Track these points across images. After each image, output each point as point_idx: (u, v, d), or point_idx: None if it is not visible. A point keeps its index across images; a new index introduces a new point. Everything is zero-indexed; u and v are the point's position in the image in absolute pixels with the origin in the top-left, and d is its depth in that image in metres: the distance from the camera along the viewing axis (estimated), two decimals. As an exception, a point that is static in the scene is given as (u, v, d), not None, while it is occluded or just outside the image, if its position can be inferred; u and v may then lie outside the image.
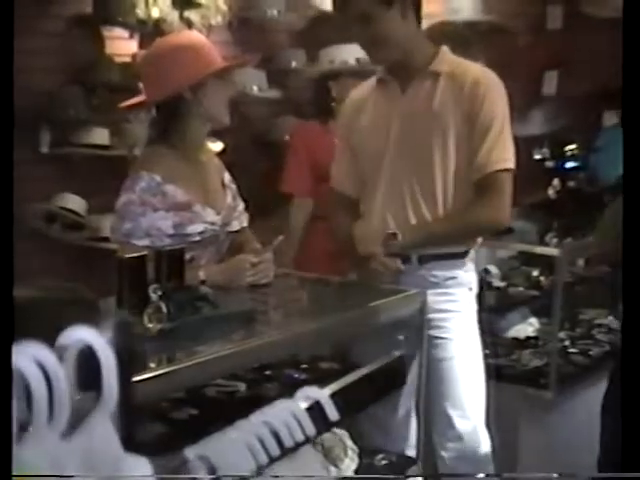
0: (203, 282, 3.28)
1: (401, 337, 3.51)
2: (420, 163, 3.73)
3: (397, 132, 3.77)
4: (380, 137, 3.81)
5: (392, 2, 3.64)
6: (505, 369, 4.79)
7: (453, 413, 3.75)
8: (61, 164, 6.43)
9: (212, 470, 1.23)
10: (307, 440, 1.38)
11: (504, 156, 3.70)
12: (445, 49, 3.83)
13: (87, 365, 1.09)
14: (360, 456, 3.45)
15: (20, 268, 3.15)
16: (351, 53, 6.46)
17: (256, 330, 3.22)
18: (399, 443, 3.76)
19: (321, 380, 3.61)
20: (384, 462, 3.58)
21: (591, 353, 5.09)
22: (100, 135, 6.42)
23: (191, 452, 1.25)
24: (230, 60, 3.61)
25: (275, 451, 1.32)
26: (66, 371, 1.06)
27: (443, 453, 3.80)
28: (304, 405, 1.41)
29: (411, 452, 3.73)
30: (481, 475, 3.83)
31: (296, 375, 3.59)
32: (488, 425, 3.82)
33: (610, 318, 5.51)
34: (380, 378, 1.69)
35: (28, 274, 2.97)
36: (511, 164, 3.72)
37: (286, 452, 1.35)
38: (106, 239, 5.39)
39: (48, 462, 1.03)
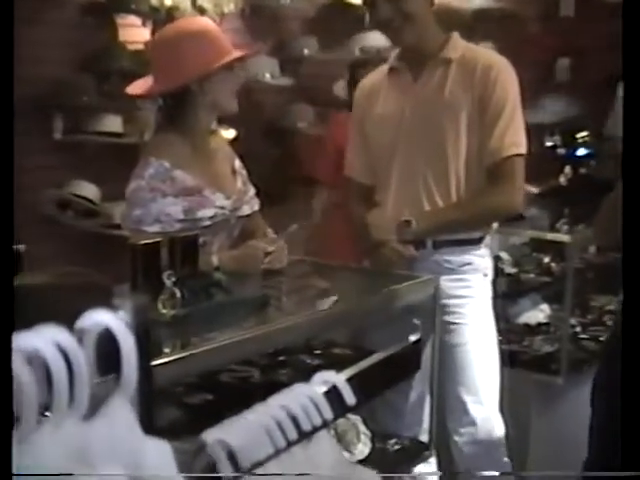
0: (217, 268, 3.28)
1: (416, 322, 3.51)
2: (433, 151, 3.73)
3: (409, 120, 3.77)
4: (393, 125, 3.81)
5: None
6: (517, 355, 4.78)
7: (467, 398, 3.75)
8: (74, 151, 6.43)
9: (230, 453, 1.22)
10: (325, 424, 1.37)
11: (516, 141, 3.69)
12: (456, 35, 3.82)
13: (106, 348, 1.08)
14: (373, 441, 3.45)
15: (35, 254, 3.17)
16: (379, 40, 6.40)
17: (269, 316, 3.23)
18: (412, 428, 3.76)
19: (334, 365, 3.64)
20: (397, 447, 3.59)
21: (602, 339, 5.07)
22: (113, 122, 6.42)
23: (209, 436, 1.25)
24: (239, 49, 3.58)
25: (293, 435, 1.31)
26: (86, 354, 1.06)
27: (456, 438, 3.80)
28: (321, 389, 1.40)
29: (424, 437, 3.72)
30: (495, 473, 3.82)
31: (309, 361, 3.57)
32: (502, 411, 3.82)
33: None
34: (395, 363, 1.68)
35: (43, 260, 2.98)
36: (523, 149, 3.72)
37: (304, 436, 1.34)
38: (119, 226, 5.40)
39: (69, 445, 1.03)
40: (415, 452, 3.64)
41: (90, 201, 6.30)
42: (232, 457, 1.21)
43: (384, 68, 3.94)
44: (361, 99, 4.02)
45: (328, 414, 1.35)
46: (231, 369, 3.35)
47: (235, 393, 3.26)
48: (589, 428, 3.29)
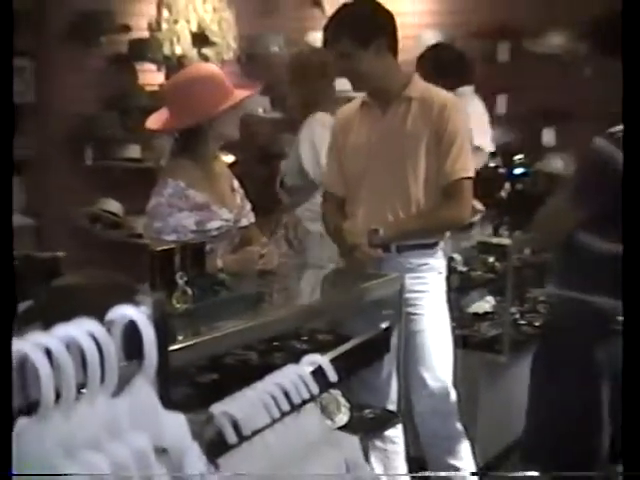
0: (221, 270, 3.27)
1: (385, 312, 3.51)
2: (396, 172, 3.71)
3: (378, 147, 3.76)
4: (364, 151, 3.79)
5: (369, 44, 3.60)
6: (468, 338, 4.78)
7: (426, 375, 3.73)
8: (102, 174, 6.45)
9: (234, 423, 1.22)
10: (312, 398, 1.36)
11: (465, 166, 3.69)
12: (416, 77, 3.82)
13: (131, 337, 1.07)
14: (351, 410, 3.44)
15: (69, 261, 3.16)
16: (343, 85, 6.44)
17: (264, 309, 3.23)
18: (383, 400, 3.73)
19: (319, 349, 3.66)
20: (371, 415, 3.58)
21: (536, 324, 5.07)
22: (133, 150, 6.48)
23: (216, 408, 1.24)
24: (241, 89, 3.59)
25: (285, 407, 1.30)
26: (114, 342, 1.05)
27: (418, 408, 3.79)
28: (309, 369, 1.39)
29: (392, 407, 3.71)
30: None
31: (298, 345, 3.57)
32: (455, 385, 3.81)
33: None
34: (370, 347, 1.68)
35: (77, 265, 2.98)
36: (471, 173, 3.72)
37: (294, 408, 1.33)
38: (140, 236, 5.41)
39: (101, 417, 1.02)
40: (386, 419, 3.63)
41: (115, 215, 6.31)
42: (236, 426, 1.21)
43: (357, 102, 3.93)
44: (337, 127, 4.00)
45: (315, 389, 1.34)
46: (233, 353, 3.34)
47: (237, 373, 3.26)
48: (528, 399, 3.29)
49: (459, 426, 3.81)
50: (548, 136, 7.20)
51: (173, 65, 6.69)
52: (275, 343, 3.55)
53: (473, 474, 3.85)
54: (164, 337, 1.09)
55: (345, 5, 3.77)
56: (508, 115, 7.41)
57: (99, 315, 1.11)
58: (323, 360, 1.41)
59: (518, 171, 5.56)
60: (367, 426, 3.51)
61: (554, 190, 3.62)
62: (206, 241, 3.27)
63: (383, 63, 3.68)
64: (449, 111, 3.67)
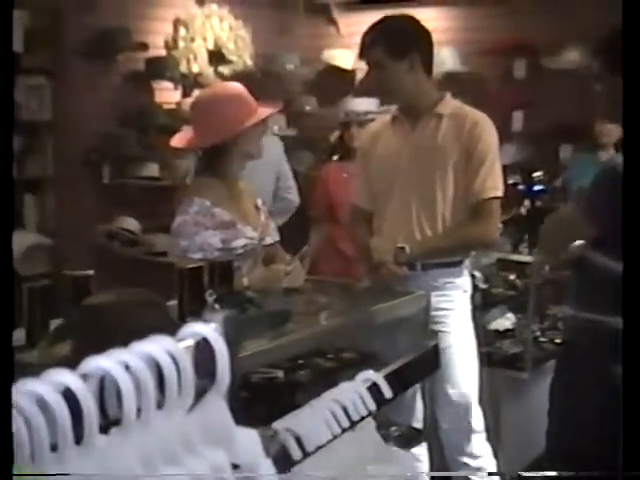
0: (247, 288, 3.29)
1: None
2: (424, 189, 3.74)
3: (406, 162, 3.77)
4: (392, 165, 3.81)
5: (403, 57, 3.65)
6: (489, 355, 4.78)
7: (452, 392, 3.75)
8: (119, 192, 6.47)
9: (297, 439, 1.23)
10: (369, 414, 1.38)
11: (495, 185, 3.71)
12: (448, 95, 3.83)
13: (202, 354, 1.09)
14: (378, 428, 3.44)
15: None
16: (363, 105, 6.48)
17: (290, 327, 3.24)
18: (408, 417, 3.75)
19: (344, 367, 3.68)
20: (397, 433, 3.58)
21: (557, 341, 5.08)
22: (151, 169, 6.49)
23: (279, 425, 1.26)
24: (264, 106, 3.61)
25: (345, 423, 1.32)
26: (188, 359, 1.07)
27: (443, 425, 3.80)
28: (365, 385, 1.41)
29: (418, 425, 3.73)
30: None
31: (323, 363, 3.57)
32: (480, 401, 3.82)
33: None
34: (421, 363, 1.69)
35: (100, 284, 2.99)
36: (500, 192, 3.73)
37: (353, 424, 1.35)
38: (159, 254, 5.43)
39: (177, 433, 1.04)
40: (411, 437, 3.63)
41: (132, 233, 6.34)
42: (299, 442, 1.23)
43: (387, 117, 3.96)
44: (367, 140, 4.03)
45: (372, 406, 1.36)
46: (259, 371, 3.35)
47: (264, 391, 3.26)
48: (548, 420, 3.30)
49: (485, 444, 3.82)
50: (565, 152, 7.22)
51: (190, 83, 6.73)
52: (300, 361, 3.55)
53: (491, 474, 3.84)
54: (235, 353, 1.11)
55: (386, 16, 3.82)
56: (525, 132, 7.44)
57: (131, 335, 1.12)
58: (378, 377, 1.42)
59: (537, 188, 5.58)
60: (393, 444, 3.51)
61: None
62: (233, 259, 3.28)
63: (415, 79, 3.71)
64: (480, 129, 3.69)
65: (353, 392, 1.34)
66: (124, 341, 1.08)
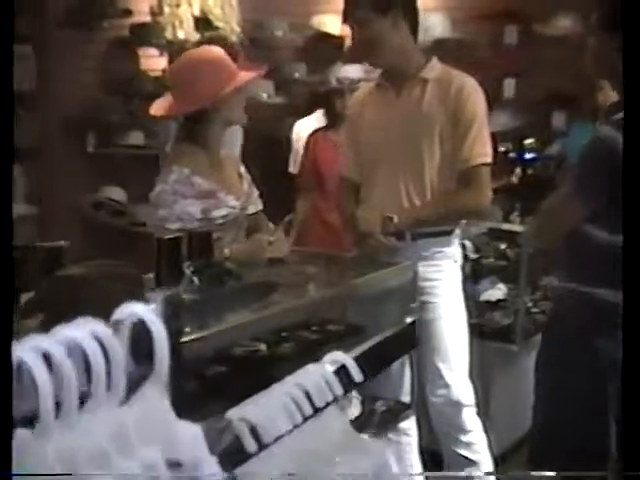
0: (228, 259, 3.17)
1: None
2: (411, 157, 3.63)
3: (392, 131, 3.67)
4: (379, 133, 3.71)
5: (386, 12, 3.55)
6: (480, 327, 4.68)
7: (442, 365, 3.65)
8: (105, 161, 6.37)
9: (253, 430, 1.11)
10: (335, 400, 1.26)
11: (484, 151, 3.61)
12: (435, 59, 3.73)
13: (140, 338, 0.96)
14: (363, 403, 3.35)
15: (73, 250, 3.06)
16: (353, 72, 6.32)
17: (274, 298, 3.12)
18: (396, 391, 3.66)
19: (330, 340, 3.58)
20: (383, 408, 3.48)
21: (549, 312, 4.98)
22: (136, 137, 6.39)
23: (233, 414, 1.13)
24: (245, 70, 3.49)
25: (308, 411, 1.20)
26: (121, 344, 0.94)
27: (433, 399, 3.70)
28: (332, 368, 1.28)
29: (406, 398, 3.63)
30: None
31: (308, 336, 3.46)
32: (470, 375, 3.72)
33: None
34: (396, 342, 1.57)
35: (79, 254, 2.88)
36: (489, 158, 3.63)
37: (318, 411, 1.22)
38: (143, 224, 5.31)
39: (108, 429, 0.91)
40: (398, 412, 3.54)
41: (119, 203, 6.24)
42: (255, 433, 1.10)
43: (371, 84, 3.86)
44: (354, 108, 3.95)
45: (339, 390, 1.24)
46: (242, 344, 3.24)
47: (246, 365, 3.16)
48: (534, 394, 3.20)
49: (475, 418, 3.72)
50: (558, 120, 7.09)
51: (176, 50, 6.57)
52: (284, 334, 3.44)
53: (487, 474, 3.75)
54: (176, 336, 0.98)
55: None
56: (517, 99, 7.32)
57: (103, 308, 1.00)
58: (347, 358, 1.30)
59: (529, 156, 5.48)
60: (380, 419, 3.41)
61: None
62: (212, 229, 3.16)
63: (400, 36, 3.61)
64: (467, 94, 3.59)
65: (318, 376, 1.21)
66: (95, 314, 0.96)
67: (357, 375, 1.28)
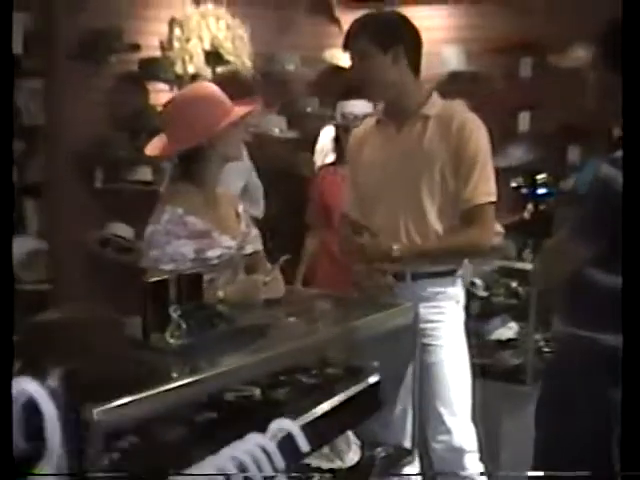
0: (221, 301, 3.08)
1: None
2: (411, 194, 3.55)
3: (392, 167, 3.60)
4: (378, 170, 3.64)
5: (387, 49, 3.50)
6: (489, 368, 4.57)
7: (443, 410, 3.56)
8: (112, 197, 6.31)
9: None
10: (276, 472, 1.15)
11: (488, 190, 3.52)
12: (435, 94, 3.65)
13: (31, 416, 0.86)
14: (362, 448, 3.24)
15: (77, 286, 2.98)
16: (358, 107, 6.26)
17: (269, 341, 3.02)
18: (397, 436, 3.55)
19: (329, 384, 3.45)
20: (383, 454, 3.36)
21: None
22: (144, 173, 6.33)
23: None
24: (241, 105, 3.41)
25: (244, 486, 1.09)
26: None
27: (435, 445, 3.61)
28: (276, 438, 1.18)
29: (407, 444, 3.51)
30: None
31: (306, 380, 3.32)
32: (475, 418, 3.63)
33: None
34: (354, 406, 1.46)
35: (78, 293, 2.82)
36: (493, 197, 3.54)
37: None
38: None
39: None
40: (400, 457, 3.42)
41: (125, 239, 6.17)
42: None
43: (372, 120, 3.80)
44: (354, 146, 3.87)
45: (280, 463, 1.13)
46: (235, 389, 3.13)
47: (238, 411, 3.05)
48: (534, 441, 3.10)
49: (478, 464, 3.61)
50: (573, 154, 6.97)
51: (186, 85, 6.53)
52: (282, 378, 3.32)
53: (482, 474, 3.65)
54: (81, 418, 0.88)
55: (372, 13, 3.76)
56: (532, 132, 7.21)
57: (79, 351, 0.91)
58: (293, 427, 1.19)
59: (541, 191, 5.37)
60: (380, 465, 3.30)
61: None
62: (206, 270, 3.06)
63: (400, 73, 3.55)
64: (469, 130, 3.51)
65: (258, 447, 1.11)
66: (70, 360, 0.87)
67: (303, 445, 1.17)
